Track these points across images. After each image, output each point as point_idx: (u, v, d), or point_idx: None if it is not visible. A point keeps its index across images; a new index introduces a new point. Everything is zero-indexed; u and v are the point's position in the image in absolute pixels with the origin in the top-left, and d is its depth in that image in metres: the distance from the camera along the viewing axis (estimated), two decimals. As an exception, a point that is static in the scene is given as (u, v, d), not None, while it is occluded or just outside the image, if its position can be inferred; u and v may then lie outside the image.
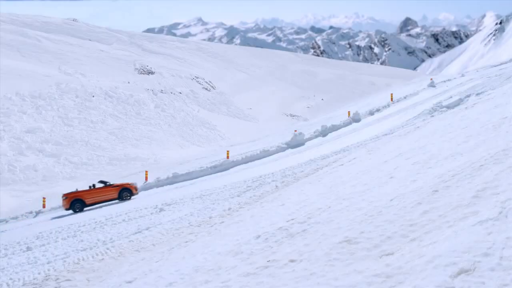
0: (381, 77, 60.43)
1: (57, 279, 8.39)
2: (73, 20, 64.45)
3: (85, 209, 19.53)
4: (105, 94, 40.20)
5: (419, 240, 4.67)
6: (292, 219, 7.08)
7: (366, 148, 14.07)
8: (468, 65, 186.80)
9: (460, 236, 4.32)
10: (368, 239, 5.12)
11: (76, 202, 19.39)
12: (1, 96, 34.74)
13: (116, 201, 20.01)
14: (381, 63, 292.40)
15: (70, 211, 19.54)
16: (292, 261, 5.25)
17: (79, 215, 17.80)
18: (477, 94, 18.60)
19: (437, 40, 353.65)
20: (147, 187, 22.08)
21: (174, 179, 22.25)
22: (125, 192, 20.04)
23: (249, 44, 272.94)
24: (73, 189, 20.97)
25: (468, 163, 6.71)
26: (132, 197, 20.22)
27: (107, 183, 20.43)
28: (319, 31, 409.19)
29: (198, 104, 44.70)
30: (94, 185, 20.28)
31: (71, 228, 14.05)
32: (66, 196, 19.60)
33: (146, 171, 24.12)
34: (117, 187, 20.11)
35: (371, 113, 28.51)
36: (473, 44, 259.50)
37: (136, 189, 20.55)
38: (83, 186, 23.59)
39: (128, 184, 20.53)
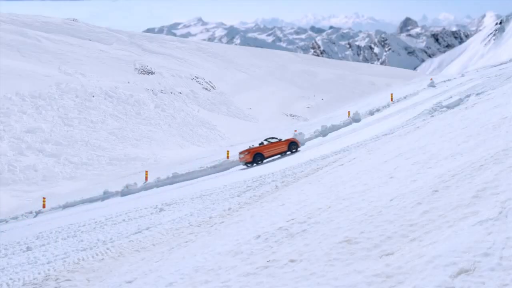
0: (381, 77, 60.47)
1: (57, 279, 8.39)
2: (73, 20, 64.48)
3: (264, 161, 21.86)
4: (105, 94, 40.21)
5: (419, 240, 4.67)
6: (292, 219, 7.08)
7: (366, 148, 14.07)
8: (468, 65, 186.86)
9: (460, 236, 4.32)
10: (368, 239, 5.12)
11: (257, 156, 21.74)
12: (1, 96, 34.75)
13: (279, 155, 22.27)
14: (381, 63, 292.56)
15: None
16: (292, 261, 5.25)
17: (80, 214, 17.77)
18: (477, 94, 18.59)
19: (437, 40, 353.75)
20: (147, 187, 22.08)
21: (174, 179, 22.25)
22: (293, 145, 22.43)
23: (249, 44, 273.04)
24: (244, 148, 23.93)
25: (468, 163, 6.71)
26: (298, 149, 22.57)
27: (277, 139, 22.90)
28: (319, 31, 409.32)
29: (198, 104, 44.73)
30: (262, 143, 22.69)
31: (71, 228, 14.04)
32: (247, 151, 21.85)
33: (146, 171, 24.11)
34: (286, 142, 22.54)
35: (371, 113, 28.51)
36: (473, 44, 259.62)
37: (299, 142, 23.19)
38: (84, 186, 23.61)
39: (294, 139, 23.19)
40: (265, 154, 21.97)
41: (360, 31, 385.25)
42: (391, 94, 33.10)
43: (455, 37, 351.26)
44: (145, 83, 45.92)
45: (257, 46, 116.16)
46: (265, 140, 22.95)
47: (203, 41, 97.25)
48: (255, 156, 21.68)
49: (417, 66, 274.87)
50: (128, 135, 34.21)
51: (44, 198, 22.24)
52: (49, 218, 18.81)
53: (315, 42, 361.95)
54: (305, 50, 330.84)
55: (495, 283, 3.44)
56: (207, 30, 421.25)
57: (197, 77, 51.60)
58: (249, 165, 21.82)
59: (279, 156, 22.28)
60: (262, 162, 21.78)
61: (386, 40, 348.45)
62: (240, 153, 22.26)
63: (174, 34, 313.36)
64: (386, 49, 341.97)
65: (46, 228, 15.13)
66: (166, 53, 58.14)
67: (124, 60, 51.56)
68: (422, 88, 33.08)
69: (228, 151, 25.18)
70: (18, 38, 49.44)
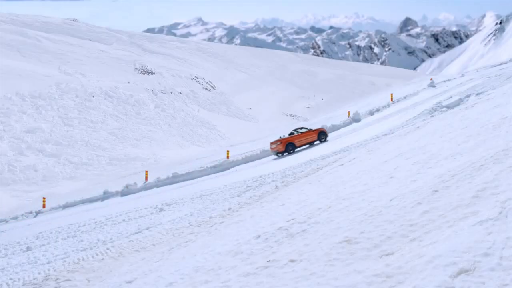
0: (381, 77, 60.46)
1: (57, 279, 8.39)
2: (73, 20, 64.45)
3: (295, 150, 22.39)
4: (105, 94, 40.21)
5: (419, 240, 4.67)
6: (292, 219, 7.08)
7: (366, 148, 14.07)
8: (468, 65, 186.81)
9: (460, 236, 4.32)
10: (368, 239, 5.12)
11: (290, 145, 22.19)
12: (1, 96, 34.75)
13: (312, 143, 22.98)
14: (381, 63, 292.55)
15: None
16: (292, 261, 5.25)
17: (80, 214, 17.78)
18: (477, 94, 18.58)
19: (437, 40, 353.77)
20: (147, 187, 22.08)
21: (174, 179, 22.25)
22: (322, 135, 23.02)
23: (249, 44, 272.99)
24: (276, 138, 24.24)
25: (468, 163, 6.71)
26: (327, 138, 23.18)
27: (307, 129, 23.51)
28: (319, 31, 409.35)
29: (198, 104, 44.71)
30: (292, 133, 23.13)
31: (71, 228, 14.05)
32: (280, 141, 22.31)
33: (146, 171, 24.10)
34: (316, 131, 23.15)
35: (371, 113, 28.51)
36: (473, 44, 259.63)
37: (327, 132, 24.00)
38: (84, 186, 23.59)
39: (323, 128, 23.89)
40: (297, 144, 22.43)
41: (360, 31, 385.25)
42: (391, 94, 33.10)
43: (455, 37, 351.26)
44: (145, 83, 45.91)
45: (257, 46, 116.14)
46: (294, 130, 23.43)
47: (203, 41, 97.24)
48: (288, 146, 22.12)
49: (417, 66, 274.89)
50: (128, 135, 34.20)
51: (44, 198, 22.23)
52: (49, 218, 18.80)
53: (315, 42, 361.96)
54: (305, 50, 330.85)
55: (495, 283, 3.44)
56: (207, 30, 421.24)
57: (197, 77, 51.60)
58: (280, 154, 22.29)
59: (307, 146, 22.80)
60: (294, 151, 22.22)
61: (386, 40, 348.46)
62: (272, 143, 22.72)
63: (174, 34, 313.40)
64: (386, 49, 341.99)
65: (46, 228, 15.13)
66: (166, 53, 58.13)
67: (124, 60, 51.55)
68: (422, 88, 33.09)
69: (228, 151, 25.17)
70: (18, 38, 49.42)
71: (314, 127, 24.66)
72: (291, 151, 22.21)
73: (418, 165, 7.84)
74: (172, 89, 46.25)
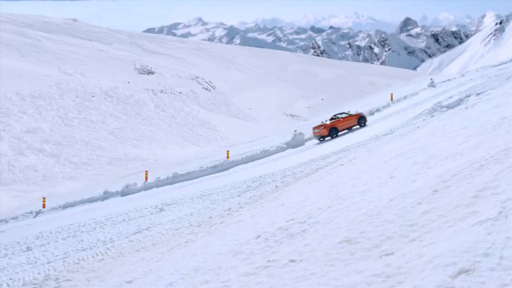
0: (381, 77, 60.50)
1: (57, 279, 8.39)
2: (73, 20, 64.46)
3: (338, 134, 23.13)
4: (105, 94, 40.21)
5: (419, 240, 4.67)
6: (292, 219, 7.08)
7: (366, 148, 14.07)
8: (468, 65, 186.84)
9: (460, 236, 4.32)
10: (368, 239, 5.12)
11: (333, 130, 22.98)
12: (1, 96, 34.75)
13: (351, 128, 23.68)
14: (381, 63, 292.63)
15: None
16: (292, 261, 5.25)
17: (80, 214, 17.77)
18: (477, 94, 18.57)
19: (437, 40, 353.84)
20: (147, 187, 22.07)
21: (174, 179, 22.24)
22: (362, 120, 23.76)
23: (249, 44, 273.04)
24: (317, 124, 24.99)
25: (468, 163, 6.70)
26: (366, 123, 23.81)
27: (347, 114, 24.31)
28: (319, 31, 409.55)
29: (198, 104, 44.72)
30: (334, 118, 23.83)
31: (71, 228, 14.05)
32: (323, 126, 23.06)
33: (146, 171, 24.09)
34: (356, 116, 23.94)
35: (371, 113, 28.49)
36: (473, 44, 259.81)
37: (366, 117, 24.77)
38: (84, 186, 23.59)
39: (362, 113, 24.69)
40: (339, 128, 23.19)
41: (360, 31, 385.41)
42: (391, 94, 33.10)
43: (455, 37, 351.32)
44: (145, 83, 45.92)
45: (257, 46, 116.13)
46: (335, 116, 24.18)
47: (203, 41, 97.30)
48: (331, 130, 22.88)
49: (417, 66, 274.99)
50: (128, 135, 34.20)
51: (44, 198, 22.21)
52: (49, 218, 18.78)
53: (315, 42, 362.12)
54: (305, 50, 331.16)
55: (495, 283, 3.44)
56: (207, 30, 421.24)
57: (197, 77, 51.61)
58: (322, 139, 23.11)
59: (346, 131, 23.46)
60: (337, 135, 22.93)
61: (386, 40, 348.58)
62: (315, 128, 23.49)
63: (174, 34, 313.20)
64: (386, 49, 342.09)
65: (46, 228, 15.13)
66: (166, 53, 58.14)
67: (124, 60, 51.56)
68: (422, 88, 33.07)
69: (228, 151, 25.16)
70: (18, 38, 49.43)
71: (353, 113, 25.58)
72: (334, 136, 22.84)
73: (418, 165, 7.84)
74: (172, 89, 46.26)
